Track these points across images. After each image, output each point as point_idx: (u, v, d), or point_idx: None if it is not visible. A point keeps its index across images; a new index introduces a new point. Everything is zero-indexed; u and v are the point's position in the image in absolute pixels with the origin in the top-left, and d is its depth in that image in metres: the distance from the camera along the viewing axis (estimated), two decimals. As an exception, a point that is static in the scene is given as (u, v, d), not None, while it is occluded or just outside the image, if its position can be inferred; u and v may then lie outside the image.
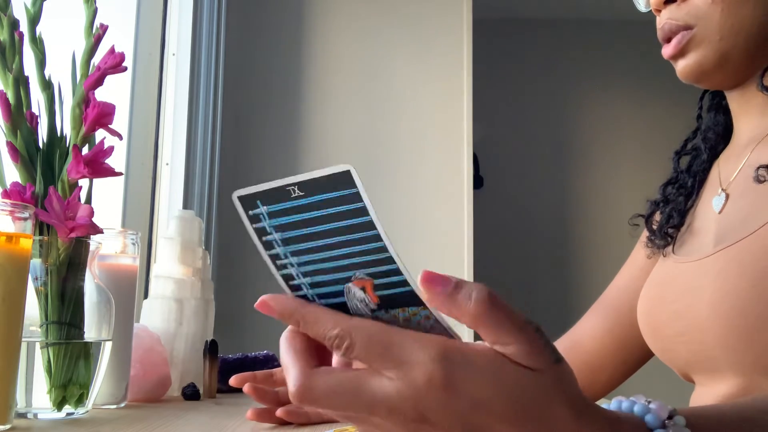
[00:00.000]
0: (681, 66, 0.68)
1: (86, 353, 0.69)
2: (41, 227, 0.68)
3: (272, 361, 0.99)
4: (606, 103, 3.27)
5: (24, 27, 0.71)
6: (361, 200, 0.35)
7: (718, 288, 0.61)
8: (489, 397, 0.33)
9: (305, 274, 0.38)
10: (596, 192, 3.22)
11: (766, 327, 0.57)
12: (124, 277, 0.83)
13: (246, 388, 0.70)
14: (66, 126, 0.72)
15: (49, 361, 0.67)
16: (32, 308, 0.66)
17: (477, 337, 0.36)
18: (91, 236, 0.71)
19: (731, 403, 0.42)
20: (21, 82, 0.70)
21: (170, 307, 0.94)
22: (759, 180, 0.63)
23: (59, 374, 0.67)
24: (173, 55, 1.70)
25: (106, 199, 1.07)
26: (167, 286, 0.95)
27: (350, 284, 0.37)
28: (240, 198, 0.37)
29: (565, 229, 3.23)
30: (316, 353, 0.38)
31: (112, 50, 0.73)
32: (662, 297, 0.69)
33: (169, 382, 0.88)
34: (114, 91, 0.78)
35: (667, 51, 0.69)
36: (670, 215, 0.75)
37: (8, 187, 0.68)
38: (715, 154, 0.76)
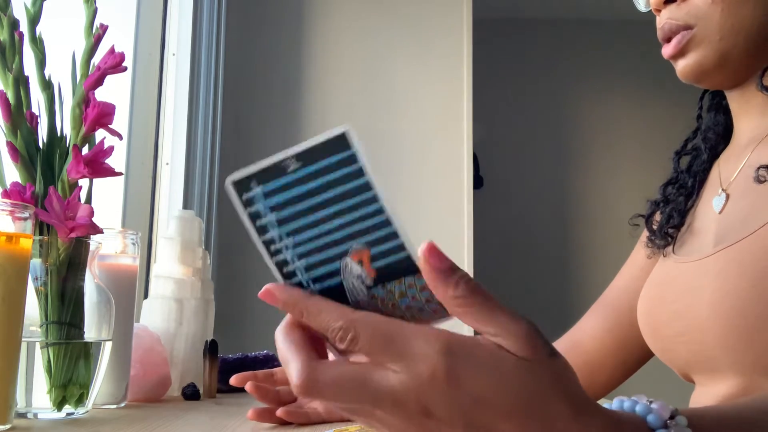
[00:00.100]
0: (681, 66, 0.68)
1: (86, 353, 0.69)
2: (41, 227, 0.68)
3: (272, 361, 0.99)
4: (606, 103, 3.27)
5: (24, 27, 0.71)
6: (357, 161, 0.35)
7: (718, 288, 0.61)
8: (492, 391, 0.33)
9: (300, 256, 0.37)
10: (596, 192, 3.22)
11: (766, 327, 0.57)
12: (124, 277, 0.83)
13: (248, 386, 0.70)
14: (66, 126, 0.72)
15: (49, 361, 0.67)
16: (32, 308, 0.66)
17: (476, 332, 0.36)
18: (91, 236, 0.71)
19: (732, 403, 0.42)
20: (21, 82, 0.70)
21: (170, 307, 0.94)
22: (759, 180, 0.63)
23: (59, 374, 0.67)
24: (173, 55, 1.70)
25: (106, 199, 1.07)
26: (167, 286, 0.96)
27: (347, 259, 0.37)
28: (234, 183, 0.37)
29: (565, 229, 3.23)
30: (314, 346, 0.37)
31: (112, 50, 0.73)
32: (662, 297, 0.69)
33: (169, 382, 0.88)
34: (114, 91, 0.78)
35: (667, 51, 0.69)
36: (670, 215, 0.75)
37: (8, 187, 0.68)
38: (715, 154, 0.76)
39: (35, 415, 0.67)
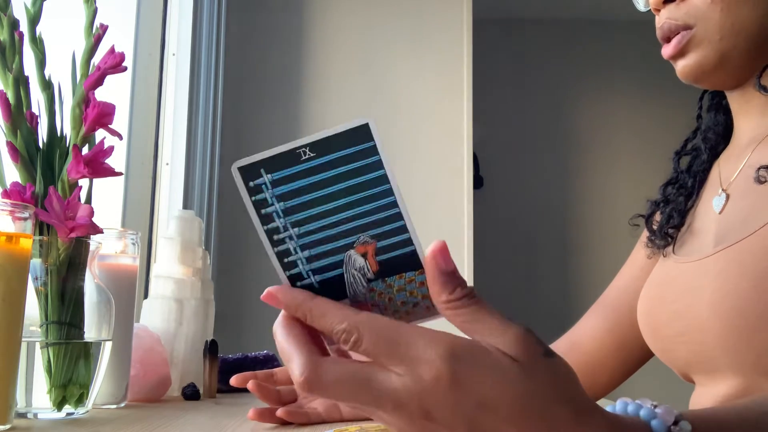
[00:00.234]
0: (681, 66, 0.68)
1: (86, 353, 0.69)
2: (41, 227, 0.68)
3: (272, 361, 0.99)
4: (606, 103, 3.27)
5: (24, 27, 0.71)
6: (377, 153, 0.35)
7: (719, 288, 0.61)
8: (494, 396, 0.33)
9: (303, 247, 0.37)
10: (596, 192, 3.22)
11: (766, 327, 0.57)
12: (124, 277, 0.83)
13: (250, 384, 0.70)
14: (66, 126, 0.72)
15: (49, 361, 0.67)
16: (32, 308, 0.66)
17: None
18: (91, 236, 0.71)
19: (734, 405, 0.42)
20: (21, 82, 0.70)
21: (170, 307, 0.94)
22: (759, 181, 0.63)
23: (59, 374, 0.67)
24: (173, 55, 1.70)
25: (106, 199, 1.07)
26: (167, 286, 0.95)
27: (351, 251, 0.37)
28: (241, 169, 0.36)
29: (565, 229, 3.23)
30: (314, 341, 0.38)
31: (112, 50, 0.73)
32: (662, 297, 0.69)
33: (169, 382, 0.88)
34: (114, 91, 0.78)
35: (666, 51, 0.69)
36: (670, 215, 0.75)
37: (8, 187, 0.68)
38: (715, 154, 0.76)
39: (35, 415, 0.66)
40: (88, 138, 0.72)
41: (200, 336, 0.95)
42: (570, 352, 0.84)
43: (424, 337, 0.34)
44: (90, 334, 0.71)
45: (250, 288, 2.00)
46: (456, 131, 2.15)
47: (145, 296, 1.04)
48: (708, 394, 0.65)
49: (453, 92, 2.17)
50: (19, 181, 0.69)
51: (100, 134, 0.72)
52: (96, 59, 0.74)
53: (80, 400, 0.68)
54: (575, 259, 3.19)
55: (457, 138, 2.15)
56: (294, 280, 0.39)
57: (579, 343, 0.85)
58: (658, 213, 0.78)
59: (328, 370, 0.35)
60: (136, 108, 1.59)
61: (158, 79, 1.66)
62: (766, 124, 0.68)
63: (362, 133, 0.35)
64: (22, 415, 0.66)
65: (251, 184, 0.36)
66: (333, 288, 0.38)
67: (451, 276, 0.35)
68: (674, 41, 0.67)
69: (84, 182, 0.72)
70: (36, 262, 0.68)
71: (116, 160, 0.72)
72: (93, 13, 0.74)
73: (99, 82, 0.72)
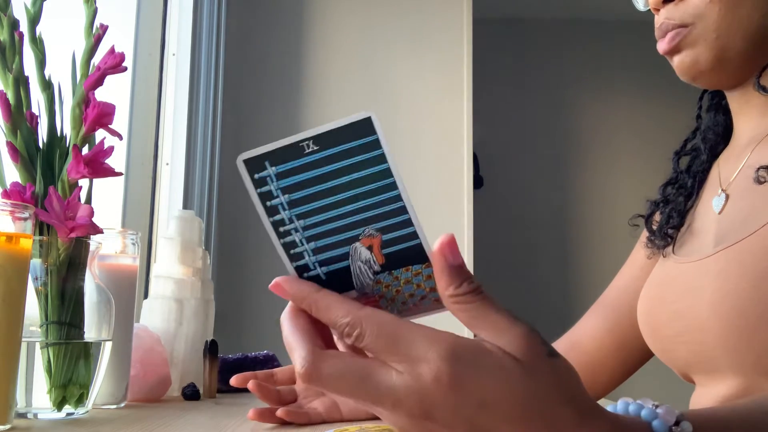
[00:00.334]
0: (677, 62, 0.68)
1: (86, 353, 0.69)
2: (41, 227, 0.68)
3: (272, 361, 0.99)
4: (606, 103, 3.27)
5: (24, 27, 0.71)
6: (380, 147, 0.35)
7: (719, 288, 0.61)
8: (496, 396, 0.33)
9: (309, 239, 0.37)
10: (596, 192, 3.22)
11: (766, 327, 0.57)
12: (124, 277, 0.83)
13: (251, 384, 0.70)
14: (66, 126, 0.72)
15: (49, 361, 0.67)
16: (32, 308, 0.66)
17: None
18: (91, 236, 0.71)
19: (735, 405, 0.42)
20: (21, 82, 0.70)
21: (170, 307, 0.94)
22: (759, 181, 0.63)
23: (59, 374, 0.67)
24: (173, 55, 1.70)
25: (106, 199, 1.07)
26: (167, 286, 0.95)
27: (357, 243, 0.37)
28: (246, 161, 0.37)
29: (565, 229, 3.23)
30: (319, 334, 0.38)
31: (112, 50, 0.73)
32: (662, 297, 0.69)
33: (169, 382, 0.88)
34: (114, 91, 0.78)
35: (661, 46, 0.69)
36: (670, 215, 0.75)
37: (8, 187, 0.68)
38: (714, 154, 0.76)
39: (35, 415, 0.66)
40: (88, 138, 0.72)
41: (200, 336, 0.95)
42: (570, 352, 0.84)
43: (426, 336, 0.34)
44: (90, 334, 0.71)
45: (250, 288, 2.00)
46: (456, 131, 2.15)
47: (145, 296, 1.04)
48: (708, 395, 0.65)
49: (453, 92, 2.17)
50: (19, 181, 0.69)
51: (100, 134, 0.72)
52: (96, 59, 0.74)
53: (80, 400, 0.68)
54: (575, 259, 3.19)
55: (457, 138, 2.15)
56: (301, 271, 0.39)
57: (579, 343, 0.85)
58: (658, 213, 0.78)
59: (329, 364, 0.35)
60: (136, 108, 1.59)
61: (158, 79, 1.66)
62: (766, 125, 0.68)
63: (365, 126, 0.35)
64: (22, 415, 0.66)
65: (256, 176, 0.37)
66: (340, 280, 0.38)
67: (459, 270, 0.35)
68: (668, 36, 0.67)
69: (84, 182, 0.72)
70: (36, 262, 0.68)
71: (116, 160, 0.72)
72: (93, 13, 0.74)
73: (99, 82, 0.72)
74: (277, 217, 0.37)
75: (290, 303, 0.39)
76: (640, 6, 0.74)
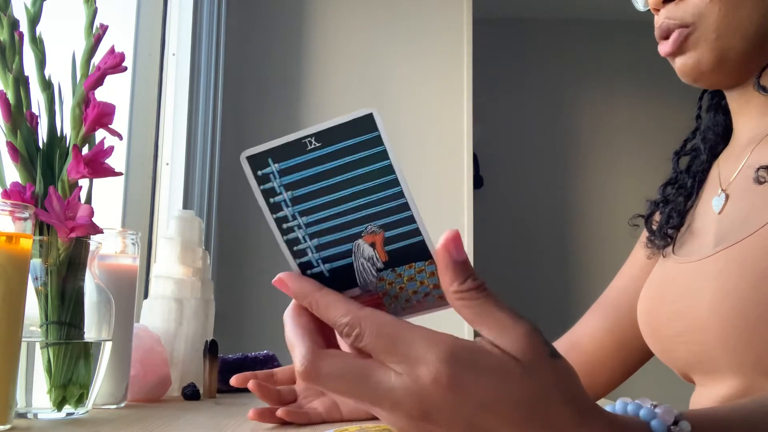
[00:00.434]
0: (679, 64, 0.68)
1: (86, 353, 0.69)
2: (41, 227, 0.68)
3: (272, 361, 0.99)
4: (606, 103, 3.27)
5: (24, 27, 0.71)
6: (382, 144, 0.35)
7: (719, 289, 0.61)
8: (496, 399, 0.33)
9: (312, 236, 0.37)
10: (596, 192, 3.22)
11: (766, 328, 0.57)
12: (124, 277, 0.83)
13: (251, 384, 0.70)
14: (66, 126, 0.72)
15: (49, 361, 0.67)
16: (32, 308, 0.66)
17: (476, 335, 0.36)
18: (91, 236, 0.71)
19: (735, 405, 0.42)
20: (21, 82, 0.70)
21: (170, 307, 0.94)
22: (759, 181, 0.63)
23: (59, 374, 0.67)
24: (173, 55, 1.70)
25: (106, 199, 1.07)
26: (167, 286, 0.96)
27: (360, 240, 0.37)
28: (249, 158, 0.37)
29: (565, 229, 3.23)
30: (321, 332, 0.38)
31: (112, 50, 0.73)
32: (662, 297, 0.69)
33: (169, 382, 0.88)
34: (114, 91, 0.78)
35: (664, 48, 0.69)
36: (670, 216, 0.75)
37: (8, 187, 0.68)
38: (714, 154, 0.76)
39: (35, 415, 0.66)
40: (88, 138, 0.72)
41: (200, 336, 0.95)
42: (570, 351, 0.84)
43: (426, 337, 0.34)
44: (90, 334, 0.71)
45: (250, 288, 2.00)
46: (456, 131, 2.15)
47: (145, 296, 1.04)
48: (708, 395, 0.65)
49: (453, 92, 2.17)
50: (19, 181, 0.69)
51: (100, 134, 0.72)
52: (96, 59, 0.74)
53: (80, 400, 0.68)
54: (575, 259, 3.19)
55: (457, 138, 2.15)
56: (304, 268, 0.39)
57: (579, 343, 0.85)
58: (658, 213, 0.78)
59: (328, 363, 0.35)
60: (136, 108, 1.59)
61: (158, 79, 1.66)
62: (766, 124, 0.68)
63: (366, 123, 0.35)
64: (22, 415, 0.66)
65: (259, 173, 0.37)
66: (343, 277, 0.38)
67: (463, 266, 0.35)
68: (672, 38, 0.67)
69: (84, 182, 0.72)
70: (36, 262, 0.68)
71: (116, 160, 0.72)
72: (93, 13, 0.74)
73: (99, 82, 0.72)
74: (280, 214, 0.37)
75: (293, 301, 0.39)
76: (640, 6, 0.74)
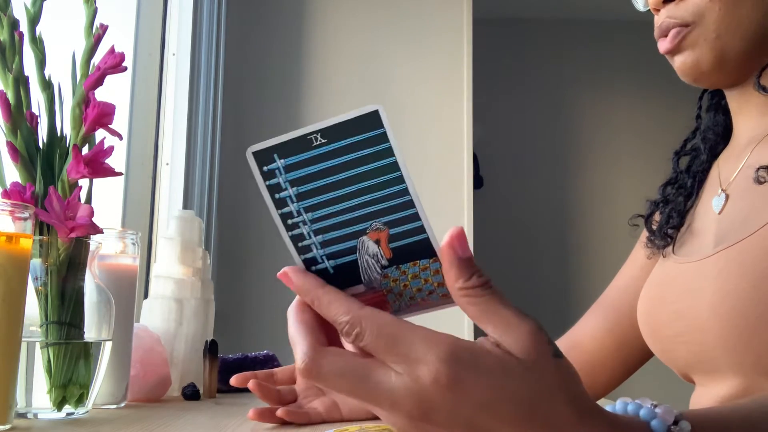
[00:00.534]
0: (678, 63, 0.68)
1: (86, 353, 0.69)
2: (41, 227, 0.68)
3: (272, 361, 0.99)
4: (606, 103, 3.27)
5: (24, 27, 0.71)
6: (387, 141, 0.35)
7: (719, 289, 0.61)
8: (496, 399, 0.33)
9: (317, 232, 0.38)
10: (596, 192, 3.22)
11: (766, 328, 0.57)
12: (124, 277, 0.83)
13: (251, 384, 0.70)
14: (66, 126, 0.72)
15: (49, 361, 0.67)
16: (32, 308, 0.66)
17: (476, 336, 0.36)
18: (91, 236, 0.71)
19: (735, 405, 0.42)
20: (21, 82, 0.70)
21: (170, 307, 0.94)
22: (759, 181, 0.63)
23: (59, 374, 0.67)
24: (173, 55, 1.70)
25: (106, 199, 1.07)
26: (167, 286, 0.96)
27: (364, 237, 0.37)
28: (255, 153, 0.37)
29: (566, 229, 3.23)
30: (324, 329, 0.38)
31: (112, 50, 0.73)
32: (662, 297, 0.69)
33: (169, 382, 0.88)
34: (114, 91, 0.78)
35: (663, 45, 0.68)
36: (670, 215, 0.75)
37: (8, 187, 0.68)
38: (714, 154, 0.76)
39: (35, 415, 0.66)
40: (88, 138, 0.72)
41: (200, 336, 0.95)
42: (570, 351, 0.84)
43: (426, 337, 0.34)
44: (90, 334, 0.71)
45: (250, 288, 2.00)
46: (456, 131, 2.15)
47: (145, 296, 1.04)
48: (708, 395, 0.65)
49: (453, 92, 2.17)
50: (19, 181, 0.69)
51: (100, 134, 0.72)
52: (96, 59, 0.74)
53: (80, 400, 0.68)
54: (575, 259, 3.19)
55: (457, 138, 2.15)
56: (309, 264, 0.39)
57: (579, 342, 0.85)
58: (658, 213, 0.78)
59: (329, 361, 0.35)
60: (136, 108, 1.59)
61: (158, 79, 1.66)
62: (766, 124, 0.68)
63: (372, 119, 0.35)
64: (22, 415, 0.66)
65: (265, 168, 0.37)
66: (348, 273, 0.38)
67: (468, 263, 0.35)
68: (670, 35, 0.67)
69: (84, 182, 0.72)
70: (36, 262, 0.68)
71: (116, 160, 0.72)
72: (93, 13, 0.74)
73: (99, 82, 0.72)
74: (286, 210, 0.37)
75: (297, 297, 0.39)
76: (640, 6, 0.74)
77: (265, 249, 1.99)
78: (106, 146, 0.70)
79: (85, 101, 0.71)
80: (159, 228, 1.58)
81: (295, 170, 0.36)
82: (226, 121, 2.06)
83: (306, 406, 0.70)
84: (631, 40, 3.02)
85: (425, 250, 0.37)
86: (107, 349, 0.73)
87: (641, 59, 2.83)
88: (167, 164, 1.65)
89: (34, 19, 0.72)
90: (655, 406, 0.36)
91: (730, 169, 0.70)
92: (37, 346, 0.67)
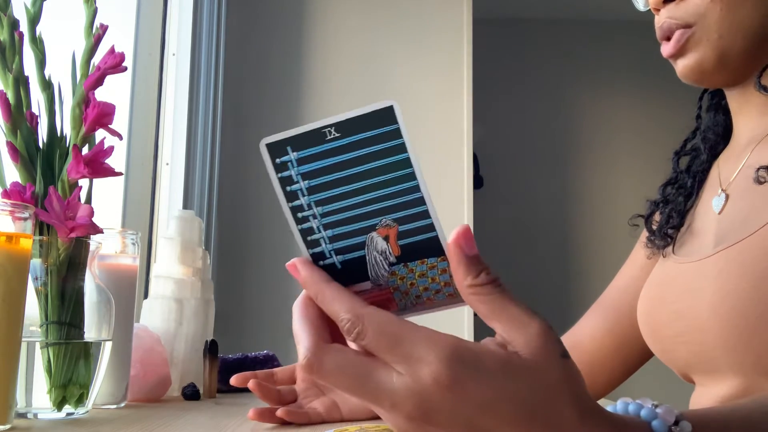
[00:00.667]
0: (681, 66, 0.68)
1: (86, 353, 0.69)
2: (41, 227, 0.68)
3: (272, 361, 0.99)
4: (606, 103, 3.27)
5: (24, 27, 0.71)
6: (400, 137, 0.35)
7: (719, 289, 0.61)
8: (497, 400, 0.33)
9: (326, 226, 0.38)
10: (596, 192, 3.22)
11: (766, 328, 0.57)
12: (124, 277, 0.83)
13: (251, 384, 0.70)
14: (66, 126, 0.72)
15: (49, 361, 0.67)
16: (32, 308, 0.66)
17: (476, 337, 0.36)
18: (91, 236, 0.71)
19: (735, 405, 0.42)
20: (21, 82, 0.70)
21: (170, 307, 0.94)
22: (759, 181, 0.63)
23: (59, 374, 0.67)
24: (173, 55, 1.70)
25: (106, 199, 1.07)
26: (167, 286, 0.96)
27: (373, 234, 0.37)
28: (268, 145, 0.37)
29: (565, 229, 3.23)
30: (328, 326, 0.38)
31: (112, 50, 0.73)
32: (662, 297, 0.69)
33: (169, 382, 0.88)
34: (114, 91, 0.78)
35: (666, 50, 0.68)
36: (670, 216, 0.75)
37: (8, 187, 0.68)
38: (714, 154, 0.76)
39: (35, 415, 0.66)
40: (88, 138, 0.72)
41: (200, 336, 0.95)
42: (570, 351, 0.83)
43: (428, 337, 0.34)
44: (90, 334, 0.71)
45: (250, 288, 2.00)
46: (456, 131, 2.15)
47: (145, 296, 1.04)
48: (708, 395, 0.65)
49: (453, 92, 2.17)
50: (19, 181, 0.69)
51: (100, 134, 0.72)
52: (96, 59, 0.74)
53: (80, 400, 0.68)
54: (575, 258, 3.19)
55: (457, 138, 2.14)
56: (317, 259, 0.39)
57: (579, 342, 0.85)
58: (658, 213, 0.78)
59: (331, 358, 0.35)
60: (136, 108, 1.59)
61: (158, 79, 1.66)
62: (766, 124, 0.68)
63: (387, 115, 0.35)
64: (22, 415, 0.66)
65: (277, 161, 0.37)
66: (355, 269, 0.38)
67: (476, 260, 0.35)
68: (673, 39, 0.67)
69: (84, 182, 0.72)
70: (36, 262, 0.68)
71: (116, 160, 0.72)
72: (93, 13, 0.74)
73: (99, 82, 0.72)
74: (296, 203, 0.37)
75: (303, 292, 0.39)
76: (641, 6, 0.74)
77: (265, 249, 1.99)
78: (106, 146, 0.70)
79: (85, 101, 0.71)
80: (159, 228, 1.58)
81: (307, 163, 0.37)
82: (226, 121, 2.06)
83: (306, 406, 0.70)
84: (631, 40, 3.03)
85: (434, 248, 0.37)
86: (107, 349, 0.73)
87: (641, 59, 2.83)
88: (167, 164, 1.65)
89: (34, 19, 0.72)
90: (656, 406, 0.36)
91: (730, 169, 0.70)
92: (37, 346, 0.67)
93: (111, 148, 0.71)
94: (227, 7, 2.04)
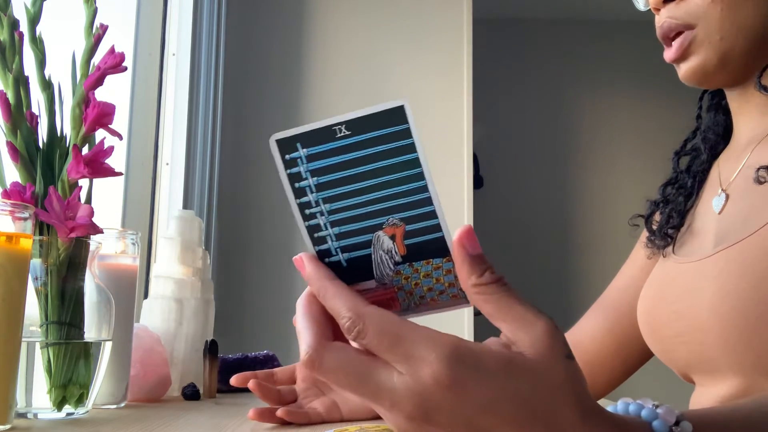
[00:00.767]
0: (684, 69, 0.68)
1: (86, 353, 0.69)
2: (41, 227, 0.68)
3: (272, 361, 0.99)
4: (606, 103, 3.27)
5: (24, 27, 0.71)
6: (410, 136, 0.36)
7: (719, 289, 0.61)
8: (498, 400, 0.33)
9: (333, 224, 0.38)
10: (596, 192, 3.22)
11: (766, 328, 0.57)
12: (124, 277, 0.83)
13: (251, 384, 0.70)
14: (66, 126, 0.72)
15: (49, 361, 0.67)
16: (32, 308, 0.66)
17: (476, 337, 0.36)
18: (91, 236, 0.71)
19: (735, 405, 0.42)
20: (21, 82, 0.70)
21: (170, 307, 0.94)
22: (759, 181, 0.63)
23: (59, 374, 0.67)
24: (173, 55, 1.70)
25: (106, 199, 1.07)
26: (167, 286, 0.95)
27: (380, 232, 0.37)
28: (278, 141, 0.37)
29: (565, 229, 3.23)
30: (331, 323, 0.38)
31: (112, 50, 0.73)
32: (662, 297, 0.69)
33: (169, 382, 0.88)
34: (114, 91, 0.78)
35: (669, 55, 0.68)
36: (670, 215, 0.75)
37: (8, 187, 0.68)
38: (714, 154, 0.76)
39: (35, 415, 0.66)
40: (88, 138, 0.72)
41: (200, 336, 0.95)
42: (570, 352, 0.84)
43: (429, 337, 0.34)
44: (90, 334, 0.71)
45: (250, 288, 2.00)
46: (456, 131, 2.15)
47: (145, 296, 1.04)
48: (708, 395, 0.65)
49: (453, 92, 2.17)
50: (19, 181, 0.69)
51: (100, 134, 0.72)
52: (96, 59, 0.74)
53: (80, 400, 0.68)
54: (575, 259, 3.19)
55: (457, 138, 2.14)
56: (323, 256, 0.39)
57: (579, 342, 0.84)
58: (658, 213, 0.78)
59: (333, 355, 0.35)
60: (136, 108, 1.59)
61: (158, 79, 1.66)
62: (766, 124, 0.68)
63: (397, 114, 0.35)
64: (22, 415, 0.66)
65: (287, 157, 0.37)
66: (360, 267, 0.38)
67: (479, 259, 0.35)
68: (676, 44, 0.67)
69: (84, 182, 0.72)
70: (36, 262, 0.68)
71: (116, 160, 0.72)
72: (93, 13, 0.74)
73: (99, 82, 0.72)
74: (304, 199, 0.38)
75: (307, 289, 0.39)
76: (641, 6, 0.74)
77: (265, 249, 1.99)
78: (106, 146, 0.70)
79: (85, 101, 0.71)
80: (159, 228, 1.58)
81: (316, 160, 0.37)
82: (226, 121, 2.06)
83: (306, 406, 0.70)
84: (631, 40, 3.03)
85: (439, 248, 0.37)
86: (107, 349, 0.73)
87: (641, 59, 2.83)
88: (167, 164, 1.65)
89: (34, 19, 0.72)
90: (657, 406, 0.36)
91: (731, 169, 0.70)
92: (37, 346, 0.67)
93: (111, 148, 0.71)
94: (227, 7, 2.04)
